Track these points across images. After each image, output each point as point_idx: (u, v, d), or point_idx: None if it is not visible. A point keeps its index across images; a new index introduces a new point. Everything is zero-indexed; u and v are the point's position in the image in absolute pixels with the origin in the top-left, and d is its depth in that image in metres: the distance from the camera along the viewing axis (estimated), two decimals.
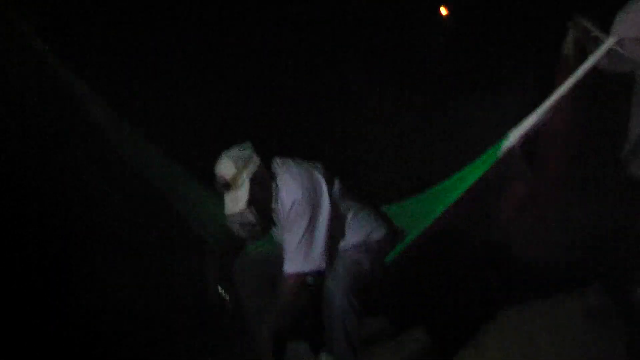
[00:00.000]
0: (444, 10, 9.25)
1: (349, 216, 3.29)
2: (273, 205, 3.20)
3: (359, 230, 3.30)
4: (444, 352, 3.64)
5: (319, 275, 3.16)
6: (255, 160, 3.15)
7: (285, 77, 7.66)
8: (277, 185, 3.19)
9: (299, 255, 3.11)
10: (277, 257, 3.26)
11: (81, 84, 3.87)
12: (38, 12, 3.95)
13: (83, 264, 4.82)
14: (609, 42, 2.91)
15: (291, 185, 3.14)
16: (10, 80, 4.51)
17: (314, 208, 3.12)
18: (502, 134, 3.09)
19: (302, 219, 3.10)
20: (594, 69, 2.97)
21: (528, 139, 3.13)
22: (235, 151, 3.17)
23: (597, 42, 3.09)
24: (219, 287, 3.33)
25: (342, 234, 3.28)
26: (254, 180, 3.11)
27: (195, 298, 4.10)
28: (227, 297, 3.32)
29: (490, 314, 3.99)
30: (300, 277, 3.13)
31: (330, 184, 3.22)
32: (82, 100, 3.90)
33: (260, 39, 7.53)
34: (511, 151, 3.05)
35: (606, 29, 3.02)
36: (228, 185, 3.11)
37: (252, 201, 3.11)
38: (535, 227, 3.93)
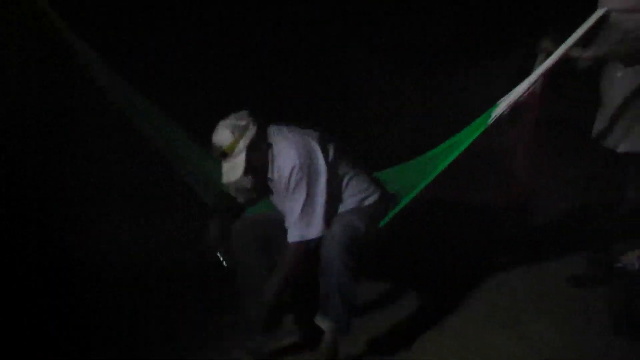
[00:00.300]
0: None
1: (344, 181, 3.35)
2: (269, 173, 3.27)
3: (353, 195, 3.38)
4: (435, 317, 3.76)
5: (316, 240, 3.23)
6: (252, 129, 3.18)
7: (285, 44, 7.71)
8: (273, 153, 3.24)
9: (302, 223, 3.18)
10: (274, 220, 3.35)
11: (84, 45, 3.88)
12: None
13: (84, 222, 4.93)
14: (596, 13, 3.00)
15: (288, 153, 3.17)
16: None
17: (312, 174, 3.18)
18: (493, 101, 3.19)
19: (301, 185, 3.15)
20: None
21: (516, 107, 3.25)
22: (232, 120, 3.20)
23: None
24: (218, 251, 3.38)
25: (338, 199, 3.35)
26: (250, 149, 3.15)
27: (195, 259, 4.18)
28: (225, 260, 3.37)
29: (480, 279, 4.12)
30: (304, 244, 3.20)
31: (325, 151, 3.26)
32: (84, 58, 3.89)
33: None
34: (500, 118, 3.15)
35: None
36: (225, 154, 3.16)
37: (249, 169, 3.16)
38: (522, 194, 4.00)
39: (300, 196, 3.15)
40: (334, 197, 3.31)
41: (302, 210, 3.16)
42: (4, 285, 3.93)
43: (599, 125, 3.63)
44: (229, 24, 7.55)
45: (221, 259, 3.38)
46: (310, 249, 3.22)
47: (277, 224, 3.30)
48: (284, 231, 3.26)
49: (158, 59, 6.42)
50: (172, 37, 6.82)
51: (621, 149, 3.53)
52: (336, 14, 8.50)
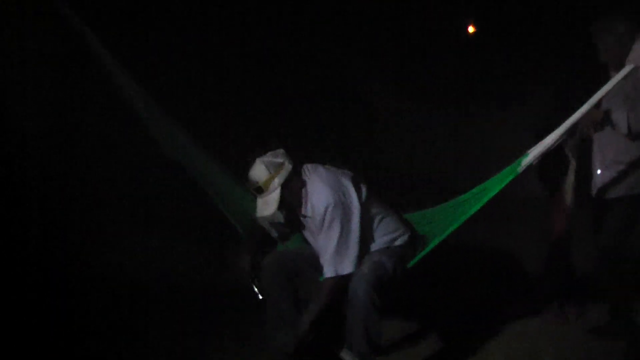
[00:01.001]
0: (471, 29, 9.40)
1: (376, 221, 3.46)
2: (303, 210, 3.39)
3: (384, 235, 3.48)
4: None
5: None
6: (287, 167, 3.33)
7: (320, 90, 7.84)
8: (307, 191, 3.37)
9: (337, 259, 3.29)
10: (302, 255, 3.49)
11: (123, 72, 4.03)
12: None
13: (123, 245, 5.06)
14: (626, 69, 3.09)
15: (323, 191, 3.31)
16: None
17: (346, 213, 3.29)
18: (524, 147, 3.28)
19: (336, 223, 3.27)
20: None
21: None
22: (268, 157, 3.35)
23: None
24: (254, 283, 3.48)
25: (369, 238, 3.45)
26: (285, 186, 3.30)
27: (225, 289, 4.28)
28: (260, 292, 3.48)
29: (500, 325, 4.16)
30: (340, 280, 3.30)
31: (358, 190, 3.38)
32: (125, 90, 4.04)
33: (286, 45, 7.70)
34: (529, 167, 3.24)
35: None
36: (260, 190, 3.31)
37: (282, 206, 3.31)
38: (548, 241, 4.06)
39: (335, 234, 3.27)
40: (365, 236, 3.41)
41: (337, 247, 3.27)
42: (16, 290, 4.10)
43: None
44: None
45: (256, 290, 3.48)
46: (345, 284, 3.31)
47: (306, 259, 3.43)
48: (312, 267, 3.40)
49: (197, 86, 6.59)
50: (213, 63, 6.99)
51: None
52: (368, 53, 8.63)
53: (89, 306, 4.38)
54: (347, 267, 3.29)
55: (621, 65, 3.32)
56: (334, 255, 3.28)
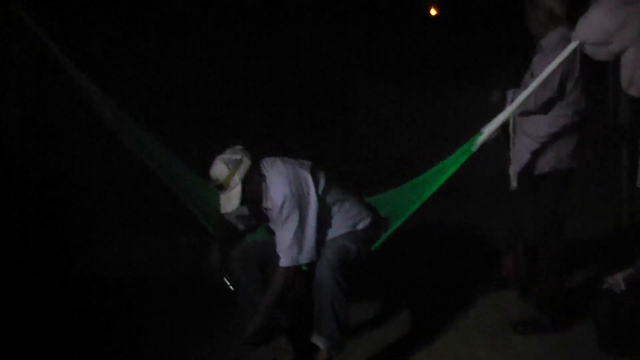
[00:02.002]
0: (433, 11, 9.51)
1: (336, 208, 3.55)
2: (264, 203, 3.47)
3: (346, 220, 3.57)
4: (426, 336, 3.89)
5: (310, 264, 3.43)
6: (246, 162, 3.40)
7: (276, 72, 7.85)
8: (267, 184, 3.45)
9: (293, 249, 3.38)
10: (271, 245, 3.53)
11: (84, 79, 4.09)
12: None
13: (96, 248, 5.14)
14: (571, 45, 3.16)
15: (280, 184, 3.39)
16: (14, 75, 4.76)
17: (303, 204, 3.39)
18: (480, 125, 3.36)
19: (293, 214, 3.36)
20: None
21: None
22: (227, 155, 3.42)
23: None
24: (224, 275, 3.56)
25: (330, 225, 3.54)
26: (245, 181, 3.37)
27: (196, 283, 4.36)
28: (231, 284, 3.55)
29: (471, 298, 4.27)
30: (295, 269, 3.41)
31: (317, 179, 3.48)
32: (88, 95, 4.10)
33: (253, 33, 7.71)
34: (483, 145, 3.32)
35: None
36: (222, 187, 3.38)
37: (244, 200, 3.38)
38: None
39: (293, 224, 3.36)
40: (325, 223, 3.52)
41: (294, 237, 3.36)
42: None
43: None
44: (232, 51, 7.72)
45: (227, 283, 3.56)
46: (299, 273, 3.43)
47: (274, 249, 3.48)
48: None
49: (159, 88, 6.63)
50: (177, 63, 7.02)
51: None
52: (334, 33, 8.67)
53: (74, 304, 4.45)
54: (303, 257, 3.39)
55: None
56: (291, 245, 3.36)
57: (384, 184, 4.06)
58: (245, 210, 3.50)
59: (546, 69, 3.23)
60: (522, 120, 3.73)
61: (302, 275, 3.54)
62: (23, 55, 4.78)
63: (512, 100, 3.61)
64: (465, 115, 5.85)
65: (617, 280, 3.57)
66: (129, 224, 5.69)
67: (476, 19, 8.72)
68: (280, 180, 3.40)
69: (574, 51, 3.22)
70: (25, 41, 4.62)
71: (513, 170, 3.79)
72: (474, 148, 3.32)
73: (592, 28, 3.09)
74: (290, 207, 3.35)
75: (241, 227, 3.65)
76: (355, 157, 7.39)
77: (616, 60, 3.17)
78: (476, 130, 3.37)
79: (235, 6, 7.91)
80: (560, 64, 3.24)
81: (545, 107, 3.61)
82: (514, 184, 3.84)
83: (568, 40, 3.44)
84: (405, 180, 3.90)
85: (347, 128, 8.61)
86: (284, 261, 3.38)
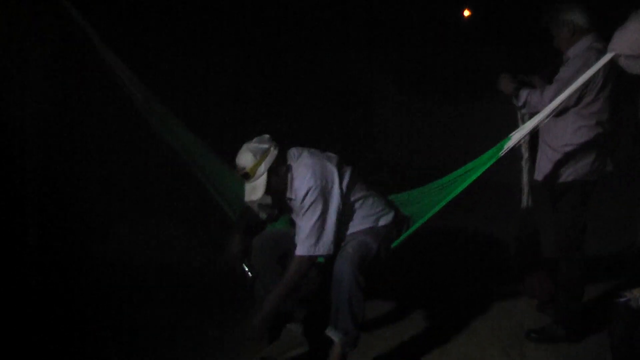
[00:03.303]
0: (466, 12, 9.46)
1: (359, 203, 3.55)
2: (288, 194, 3.47)
3: (368, 216, 3.57)
4: (440, 337, 3.90)
5: (328, 258, 3.43)
6: (273, 152, 3.40)
7: (308, 74, 7.87)
8: (292, 175, 3.45)
9: (311, 240, 3.37)
10: (292, 236, 3.54)
11: (119, 62, 4.14)
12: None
13: (115, 232, 5.16)
14: (606, 56, 3.14)
15: (305, 175, 3.39)
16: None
17: (326, 196, 3.38)
18: (506, 133, 3.36)
19: (315, 206, 3.35)
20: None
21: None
22: (254, 143, 3.42)
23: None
24: (244, 262, 3.57)
25: (352, 219, 3.54)
26: (271, 171, 3.38)
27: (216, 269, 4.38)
28: (250, 271, 3.56)
29: (487, 304, 4.27)
30: (310, 259, 3.40)
31: (342, 173, 3.47)
32: (122, 80, 4.15)
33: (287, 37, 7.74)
34: (512, 150, 3.32)
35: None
36: (247, 175, 3.38)
37: (269, 190, 3.39)
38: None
39: (314, 215, 3.36)
40: (347, 218, 3.52)
41: (313, 228, 3.36)
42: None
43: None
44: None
45: (246, 269, 3.57)
46: (315, 265, 3.42)
47: (293, 241, 3.49)
48: None
49: (192, 75, 6.66)
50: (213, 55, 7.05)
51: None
52: (360, 40, 8.68)
53: (86, 295, 4.48)
54: (320, 249, 3.38)
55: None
56: (310, 235, 3.36)
57: (407, 189, 4.05)
58: (268, 200, 3.50)
59: (577, 78, 3.21)
60: (544, 130, 3.74)
61: (319, 267, 3.54)
62: (31, 53, 4.83)
63: (526, 100, 3.66)
64: (490, 125, 5.85)
65: (635, 296, 3.55)
66: (147, 212, 5.72)
67: (505, 29, 8.69)
68: (305, 171, 3.40)
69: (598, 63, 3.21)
70: (35, 39, 4.68)
71: (526, 187, 3.82)
72: (501, 153, 3.31)
73: (629, 41, 3.06)
74: (313, 198, 3.35)
75: (263, 216, 3.65)
76: (378, 164, 7.39)
77: None
78: (499, 140, 3.37)
79: (264, 13, 7.94)
80: (580, 72, 3.23)
81: (559, 114, 3.60)
82: (524, 202, 3.87)
83: (594, 50, 3.45)
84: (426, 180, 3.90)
85: (371, 135, 8.64)
86: (300, 250, 3.38)
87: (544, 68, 3.99)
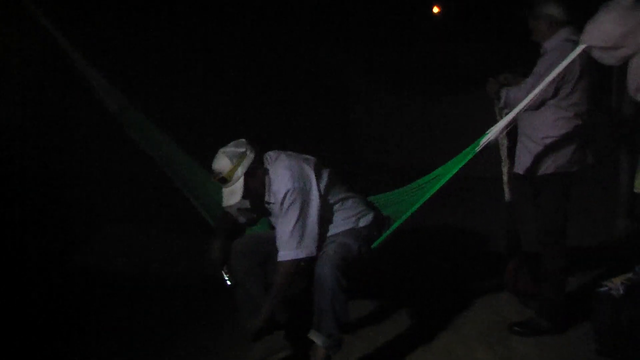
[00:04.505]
0: (435, 9, 9.49)
1: (339, 205, 3.54)
2: (266, 197, 3.46)
3: (348, 217, 3.56)
4: (425, 335, 3.89)
5: (310, 260, 3.40)
6: (250, 156, 3.39)
7: (282, 73, 7.85)
8: (269, 178, 3.44)
9: (292, 243, 3.35)
10: (272, 239, 3.50)
11: (91, 70, 4.11)
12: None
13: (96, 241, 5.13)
14: (578, 48, 3.14)
15: (283, 177, 3.38)
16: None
17: (305, 198, 3.37)
18: (485, 128, 3.35)
19: (294, 208, 3.34)
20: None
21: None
22: (231, 148, 3.41)
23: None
24: (223, 269, 3.54)
25: (333, 221, 3.53)
26: (248, 175, 3.36)
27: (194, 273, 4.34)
28: (229, 279, 3.54)
29: (470, 300, 4.27)
30: (294, 263, 3.37)
31: (319, 175, 3.46)
32: (96, 88, 4.12)
33: (258, 35, 7.71)
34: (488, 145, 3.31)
35: None
36: (224, 180, 3.37)
37: (247, 194, 3.37)
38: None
39: (293, 218, 3.34)
40: (327, 219, 3.51)
41: (293, 230, 3.34)
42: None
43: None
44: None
45: (225, 277, 3.54)
46: (300, 268, 3.40)
47: (273, 244, 3.46)
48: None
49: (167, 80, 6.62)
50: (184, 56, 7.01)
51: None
52: (337, 37, 8.68)
53: (73, 296, 4.49)
54: (302, 252, 3.36)
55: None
56: (290, 239, 3.34)
57: (386, 187, 4.04)
58: (247, 204, 3.47)
59: (552, 71, 3.21)
60: (523, 123, 3.74)
61: (302, 270, 3.52)
62: (24, 52, 4.79)
63: (505, 99, 3.66)
64: (469, 120, 5.87)
65: (616, 285, 3.57)
66: (130, 218, 5.69)
67: (480, 23, 8.72)
68: (283, 174, 3.39)
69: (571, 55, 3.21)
70: (27, 38, 4.63)
71: (506, 179, 3.82)
72: (477, 149, 3.30)
73: (601, 33, 3.05)
74: (291, 201, 3.33)
75: (242, 220, 3.63)
76: (357, 160, 7.38)
77: (622, 65, 3.15)
78: (479, 134, 3.36)
79: (241, 9, 7.90)
80: (556, 64, 3.23)
81: (538, 107, 3.62)
82: (507, 196, 3.87)
83: (571, 42, 3.46)
84: (407, 183, 3.89)
85: (349, 132, 8.63)
86: (282, 256, 3.37)
87: (516, 65, 4.00)
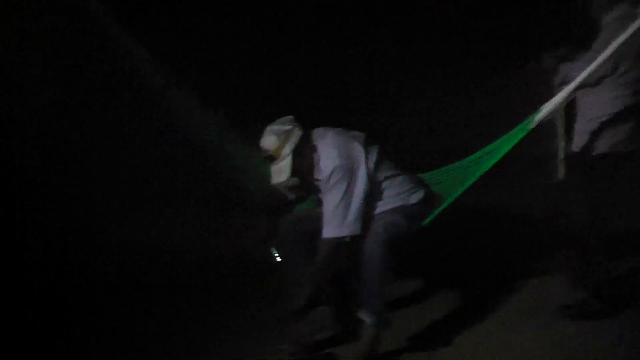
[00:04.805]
0: None
1: (388, 182, 3.48)
2: (315, 174, 3.42)
3: (397, 195, 3.49)
4: (464, 316, 3.85)
5: (357, 237, 3.35)
6: (297, 133, 3.36)
7: (329, 55, 7.81)
8: (318, 155, 3.40)
9: (336, 221, 3.30)
10: (319, 216, 3.44)
11: (139, 47, 4.11)
12: None
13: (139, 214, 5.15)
14: (637, 22, 3.06)
15: (331, 154, 3.33)
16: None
17: (352, 176, 3.32)
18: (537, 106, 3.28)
19: (340, 185, 3.29)
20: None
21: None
22: (277, 125, 3.39)
23: None
24: (271, 245, 3.52)
25: (381, 198, 3.47)
26: (295, 152, 3.34)
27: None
28: (279, 255, 3.51)
29: (509, 281, 4.21)
30: (337, 241, 3.32)
31: (368, 152, 3.41)
32: (142, 65, 4.12)
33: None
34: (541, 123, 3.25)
35: None
36: (272, 158, 3.35)
37: (294, 172, 3.35)
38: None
39: (338, 196, 3.29)
40: (376, 196, 3.44)
41: (337, 208, 3.28)
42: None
43: None
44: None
45: (275, 254, 3.52)
46: (345, 246, 3.34)
47: (320, 220, 3.41)
48: None
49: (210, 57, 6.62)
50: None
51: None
52: (381, 20, 8.59)
53: (110, 275, 4.49)
54: (346, 230, 3.30)
55: None
56: (334, 216, 3.29)
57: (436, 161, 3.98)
58: (295, 181, 3.44)
59: (610, 46, 3.13)
60: (580, 101, 3.66)
61: (348, 248, 3.48)
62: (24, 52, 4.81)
63: (562, 75, 3.56)
64: (514, 102, 5.78)
65: None
66: (173, 196, 5.68)
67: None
68: (331, 150, 3.35)
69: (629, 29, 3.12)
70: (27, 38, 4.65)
71: (560, 157, 3.74)
72: (531, 126, 3.25)
73: None
74: (338, 177, 3.29)
75: (291, 197, 3.60)
76: (398, 149, 7.30)
77: None
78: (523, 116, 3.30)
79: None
80: (615, 39, 3.15)
81: (595, 84, 3.50)
82: (561, 174, 3.79)
83: (630, 17, 3.35)
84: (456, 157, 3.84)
85: (388, 120, 8.52)
86: (326, 232, 3.32)
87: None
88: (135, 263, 4.66)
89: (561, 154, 3.80)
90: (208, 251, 4.90)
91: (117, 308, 4.09)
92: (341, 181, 3.29)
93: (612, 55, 3.17)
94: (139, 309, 4.09)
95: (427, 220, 3.57)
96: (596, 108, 3.58)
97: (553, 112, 3.31)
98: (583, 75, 3.19)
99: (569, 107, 3.64)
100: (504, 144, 3.35)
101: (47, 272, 4.37)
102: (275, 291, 3.98)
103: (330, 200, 3.32)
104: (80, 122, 5.14)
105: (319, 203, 3.58)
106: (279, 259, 3.52)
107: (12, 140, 4.84)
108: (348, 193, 3.30)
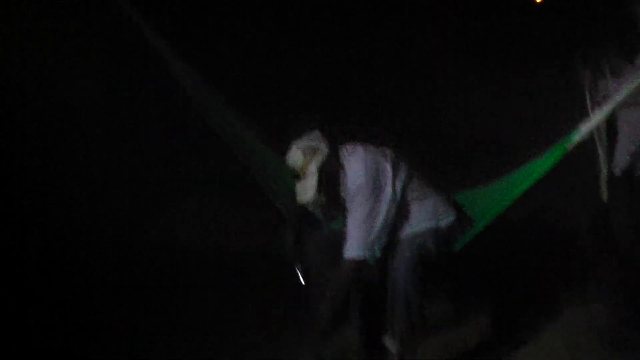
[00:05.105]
0: None
1: (417, 203, 3.34)
2: (342, 193, 3.29)
3: (427, 216, 3.35)
4: (506, 343, 3.69)
5: (378, 261, 3.25)
6: (323, 150, 3.25)
7: (360, 58, 7.74)
8: (345, 172, 3.28)
9: (357, 242, 3.17)
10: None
11: (167, 49, 4.08)
12: None
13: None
14: None
15: (357, 173, 3.22)
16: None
17: (377, 195, 3.19)
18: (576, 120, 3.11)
19: (364, 205, 3.17)
20: None
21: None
22: (304, 141, 3.29)
23: None
24: (296, 265, 3.42)
25: (410, 219, 3.33)
26: (322, 170, 3.22)
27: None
28: (303, 278, 3.41)
29: (553, 304, 4.01)
30: (358, 262, 3.19)
31: (397, 171, 3.28)
32: (173, 68, 4.10)
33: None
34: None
35: None
36: (298, 175, 3.24)
37: (320, 190, 3.23)
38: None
39: (361, 215, 3.17)
40: (403, 218, 3.32)
41: (360, 229, 3.16)
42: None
43: None
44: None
45: (300, 275, 3.43)
46: (367, 267, 3.23)
47: None
48: None
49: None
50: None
51: None
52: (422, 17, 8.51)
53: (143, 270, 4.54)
54: (365, 251, 3.17)
55: None
56: (356, 237, 3.17)
57: (472, 171, 3.83)
58: (323, 200, 3.31)
59: None
60: (621, 120, 3.51)
61: (371, 270, 3.35)
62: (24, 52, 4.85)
63: (605, 93, 3.39)
64: (557, 98, 5.62)
65: None
66: (205, 192, 5.69)
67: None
68: (356, 169, 3.23)
69: None
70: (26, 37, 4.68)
71: (603, 179, 3.57)
72: (569, 146, 3.08)
73: None
74: (363, 197, 3.17)
75: (319, 215, 3.47)
76: (442, 141, 7.14)
77: None
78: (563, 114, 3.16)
79: None
80: None
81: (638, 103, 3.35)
82: (604, 196, 3.62)
83: None
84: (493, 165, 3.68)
85: (432, 111, 8.38)
86: (346, 252, 3.19)
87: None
88: (138, 262, 4.69)
89: (604, 176, 3.65)
90: (214, 250, 4.96)
91: (117, 308, 4.11)
92: (365, 201, 3.18)
93: None
94: (142, 307, 4.12)
95: (460, 243, 3.44)
96: (637, 128, 3.42)
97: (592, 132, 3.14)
98: (626, 92, 3.01)
99: (609, 127, 3.49)
100: (540, 165, 3.18)
101: (48, 272, 4.39)
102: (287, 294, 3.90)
103: (353, 220, 3.21)
104: (87, 119, 5.20)
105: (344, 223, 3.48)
106: (302, 281, 3.41)
107: (12, 140, 4.90)
108: (372, 214, 3.18)
